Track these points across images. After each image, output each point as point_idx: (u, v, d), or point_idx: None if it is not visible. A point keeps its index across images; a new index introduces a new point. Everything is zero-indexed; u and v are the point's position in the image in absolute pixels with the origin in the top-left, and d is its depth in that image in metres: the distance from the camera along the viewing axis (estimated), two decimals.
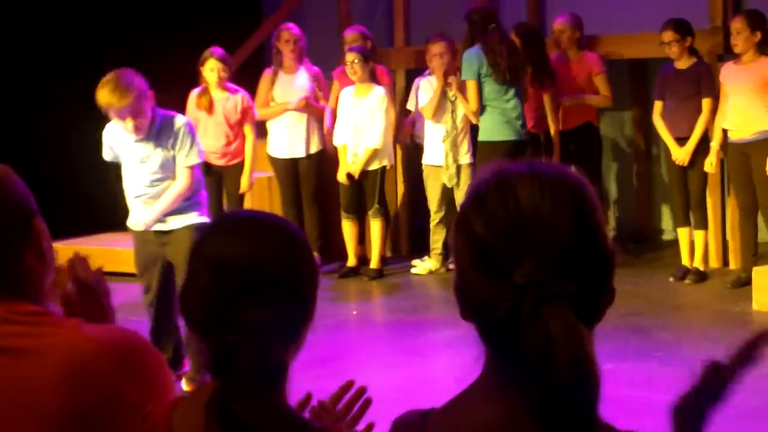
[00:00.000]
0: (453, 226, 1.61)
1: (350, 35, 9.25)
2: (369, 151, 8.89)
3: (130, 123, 5.86)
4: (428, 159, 8.98)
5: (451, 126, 8.76)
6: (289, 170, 9.32)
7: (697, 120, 8.10)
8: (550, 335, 1.43)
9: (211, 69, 8.61)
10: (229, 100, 8.66)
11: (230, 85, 8.76)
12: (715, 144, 8.04)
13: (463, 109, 8.66)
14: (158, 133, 6.03)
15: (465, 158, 8.80)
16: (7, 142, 9.17)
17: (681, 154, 8.16)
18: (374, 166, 8.95)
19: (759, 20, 7.80)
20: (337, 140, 9.05)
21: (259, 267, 1.86)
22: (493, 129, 8.41)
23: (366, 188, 9.05)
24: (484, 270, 1.52)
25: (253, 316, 1.82)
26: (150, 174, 6.06)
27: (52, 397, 1.96)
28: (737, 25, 7.82)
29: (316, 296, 1.97)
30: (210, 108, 8.64)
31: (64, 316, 2.15)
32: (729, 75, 7.94)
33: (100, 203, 10.19)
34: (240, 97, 8.68)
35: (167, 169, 6.04)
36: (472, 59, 8.41)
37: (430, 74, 8.98)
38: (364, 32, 9.28)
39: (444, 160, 8.79)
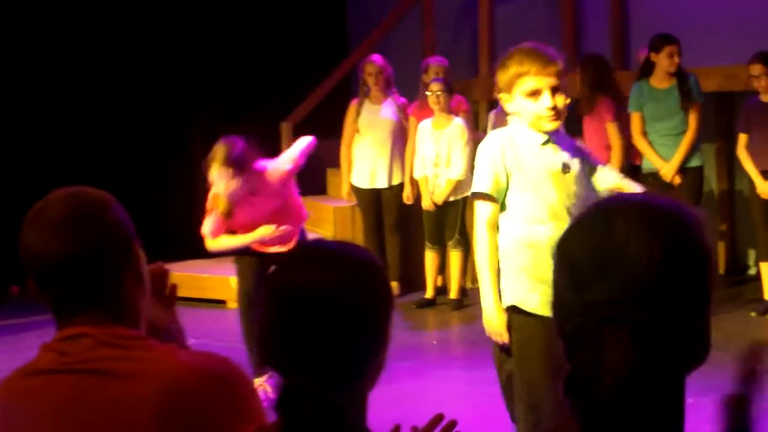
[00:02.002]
0: (554, 251, 1.64)
1: (435, 66, 9.29)
2: (452, 182, 8.92)
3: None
4: None
5: None
6: (371, 200, 9.41)
7: None
8: (602, 358, 1.44)
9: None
10: None
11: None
12: None
13: None
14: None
15: None
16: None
17: (766, 188, 8.05)
18: (457, 196, 8.99)
19: None
20: (417, 172, 9.10)
21: (331, 301, 1.83)
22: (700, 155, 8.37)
23: (448, 219, 9.08)
24: (569, 288, 1.55)
25: (321, 357, 1.81)
26: None
27: (147, 420, 1.99)
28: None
29: (390, 328, 1.94)
30: None
31: (159, 342, 2.18)
32: None
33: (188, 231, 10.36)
34: None
35: None
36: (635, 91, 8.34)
37: None
38: (446, 64, 9.33)
39: None
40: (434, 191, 8.97)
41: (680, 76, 8.15)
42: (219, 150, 6.35)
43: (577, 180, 4.18)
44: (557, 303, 1.60)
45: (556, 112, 4.10)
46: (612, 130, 8.44)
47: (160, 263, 2.33)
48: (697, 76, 8.24)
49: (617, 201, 1.63)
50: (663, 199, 1.60)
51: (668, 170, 8.10)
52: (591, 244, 1.55)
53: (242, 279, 6.78)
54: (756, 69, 8.01)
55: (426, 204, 9.00)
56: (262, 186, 6.50)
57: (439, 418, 2.15)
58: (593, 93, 8.45)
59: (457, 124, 8.88)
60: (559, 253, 1.60)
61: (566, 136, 4.34)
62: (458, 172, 8.89)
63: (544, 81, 4.10)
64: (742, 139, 8.21)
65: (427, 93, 8.87)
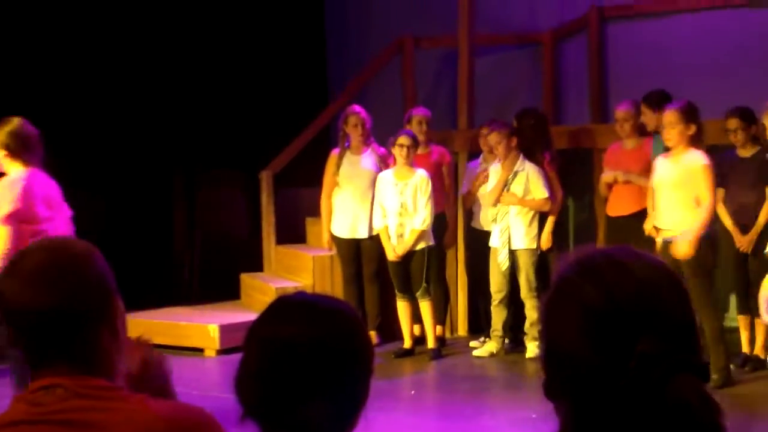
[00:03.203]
0: (551, 299, 1.64)
1: (418, 116, 9.35)
2: (416, 232, 8.95)
3: None
4: (492, 241, 9.03)
5: (502, 210, 8.87)
6: (351, 249, 9.44)
7: (762, 208, 7.97)
8: (691, 403, 1.51)
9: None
10: None
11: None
12: None
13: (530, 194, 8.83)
14: None
15: (523, 243, 8.88)
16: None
17: (744, 242, 8.06)
18: (420, 246, 9.01)
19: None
20: (377, 224, 9.14)
21: (310, 353, 1.85)
22: None
23: (413, 269, 9.09)
24: (596, 341, 1.55)
25: (303, 410, 1.83)
26: None
27: None
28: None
29: (370, 380, 1.96)
30: None
31: (132, 392, 2.18)
32: None
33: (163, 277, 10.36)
34: None
35: None
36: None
37: (482, 158, 9.18)
38: (429, 115, 9.41)
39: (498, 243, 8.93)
40: (398, 241, 9.01)
41: None
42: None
43: None
44: (564, 359, 1.60)
45: None
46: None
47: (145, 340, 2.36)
48: None
49: (612, 251, 1.65)
50: (631, 247, 1.67)
51: (746, 244, 8.11)
52: (619, 293, 1.57)
53: None
54: (732, 123, 8.03)
55: (390, 255, 9.03)
56: None
57: None
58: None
59: (421, 175, 8.94)
60: (571, 305, 1.59)
61: None
62: (422, 222, 8.93)
63: None
64: (719, 193, 8.09)
65: (397, 145, 8.90)
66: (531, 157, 8.87)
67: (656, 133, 8.36)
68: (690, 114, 7.54)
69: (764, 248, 7.72)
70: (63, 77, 10.18)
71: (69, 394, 2.08)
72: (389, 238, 9.02)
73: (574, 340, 1.57)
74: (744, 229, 8.10)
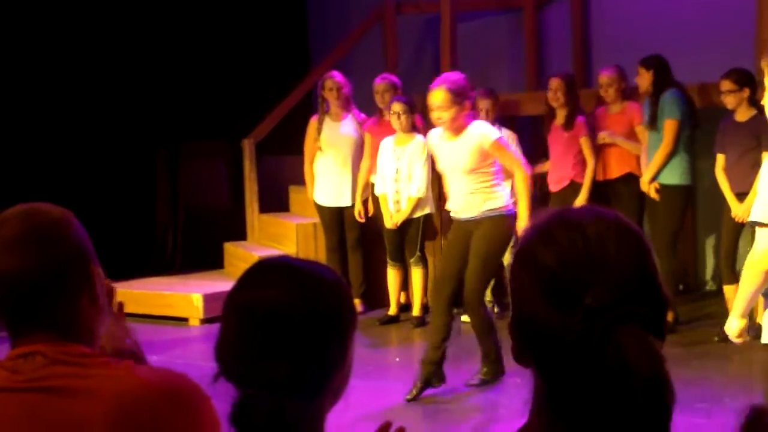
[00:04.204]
0: (514, 263, 1.65)
1: (381, 85, 9.25)
2: (412, 199, 8.92)
3: None
4: None
5: None
6: (334, 217, 9.42)
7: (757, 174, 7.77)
8: (628, 354, 1.48)
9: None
10: None
11: None
12: None
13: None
14: None
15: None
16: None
17: (740, 210, 7.80)
18: (417, 214, 8.99)
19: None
20: (378, 189, 9.10)
21: (286, 317, 1.85)
22: (687, 174, 8.35)
23: (409, 236, 9.08)
24: (552, 301, 1.56)
25: (277, 370, 1.83)
26: None
27: None
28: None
29: (351, 346, 1.95)
30: None
31: (116, 359, 2.17)
32: None
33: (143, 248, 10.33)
34: None
35: None
36: (680, 100, 8.29)
37: None
38: (395, 82, 9.28)
39: None
40: (396, 208, 8.97)
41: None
42: None
43: None
44: (527, 320, 1.60)
45: None
46: (587, 145, 8.68)
47: (107, 281, 2.31)
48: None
49: (571, 213, 1.65)
50: (601, 208, 1.67)
51: (743, 213, 7.80)
52: (568, 254, 1.57)
53: None
54: (725, 85, 7.88)
55: (388, 223, 9.00)
56: None
57: (386, 426, 2.14)
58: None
59: (418, 141, 8.84)
60: (530, 268, 1.61)
61: None
62: (419, 188, 8.90)
63: None
64: (719, 159, 8.04)
65: (391, 113, 8.85)
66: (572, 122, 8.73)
67: (648, 96, 8.38)
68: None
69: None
70: (44, 49, 10.10)
71: (49, 361, 2.06)
72: (387, 204, 9.00)
73: (534, 304, 1.58)
74: (741, 197, 7.84)
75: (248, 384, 1.84)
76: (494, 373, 6.93)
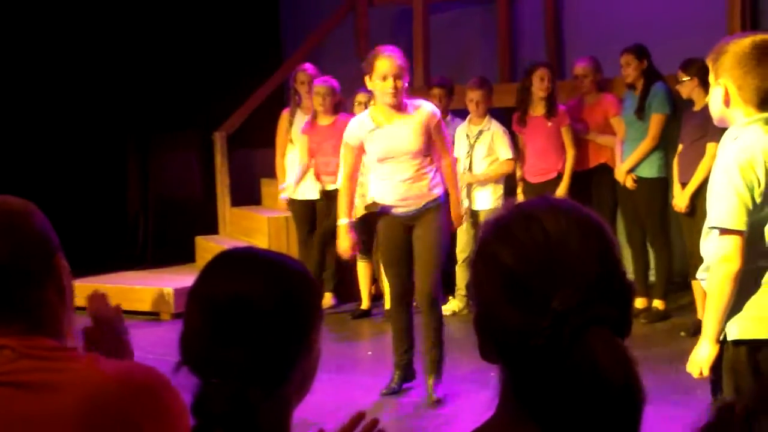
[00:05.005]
0: (474, 262, 1.63)
1: (321, 87, 8.99)
2: None
3: None
4: None
5: (462, 170, 8.72)
6: (305, 211, 9.34)
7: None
8: (599, 359, 1.46)
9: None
10: None
11: None
12: None
13: (503, 154, 8.75)
14: None
15: (488, 203, 8.83)
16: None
17: (679, 200, 7.82)
18: None
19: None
20: (340, 181, 9.02)
21: (247, 307, 1.85)
22: (664, 167, 8.32)
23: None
24: (515, 301, 1.53)
25: (238, 357, 1.83)
26: None
27: (70, 431, 1.97)
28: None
29: (317, 337, 1.95)
30: None
31: (82, 352, 2.17)
32: None
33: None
34: None
35: None
36: (668, 95, 8.25)
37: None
38: (335, 87, 9.03)
39: None
40: (362, 201, 8.90)
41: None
42: None
43: None
44: (490, 321, 1.57)
45: None
46: (569, 134, 8.67)
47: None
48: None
49: (528, 206, 1.61)
50: (561, 199, 1.64)
51: (681, 203, 7.86)
52: (528, 252, 1.53)
53: None
54: (679, 75, 7.88)
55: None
56: None
57: (359, 417, 2.13)
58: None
59: None
60: (490, 266, 1.57)
61: None
62: None
63: None
64: (680, 149, 8.02)
65: (356, 104, 8.78)
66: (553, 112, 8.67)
67: (630, 86, 8.37)
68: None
69: (696, 209, 7.44)
70: (12, 39, 10.01)
71: (17, 355, 2.04)
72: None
73: (497, 303, 1.55)
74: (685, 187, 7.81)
75: (211, 372, 1.84)
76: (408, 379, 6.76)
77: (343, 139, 6.62)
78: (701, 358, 3.66)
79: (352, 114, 8.49)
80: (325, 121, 8.91)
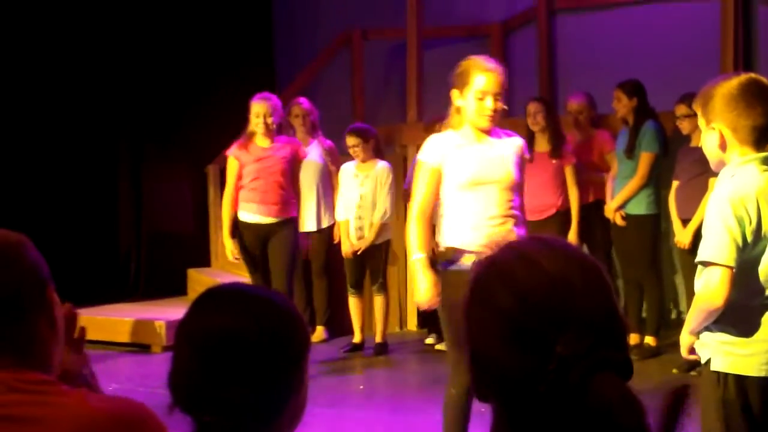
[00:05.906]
0: (470, 301, 1.60)
1: (297, 107, 9.14)
2: (376, 226, 8.89)
3: None
4: None
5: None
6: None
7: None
8: (612, 405, 1.45)
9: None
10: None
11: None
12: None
13: None
14: None
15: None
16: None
17: (682, 237, 7.84)
18: (380, 240, 8.94)
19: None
20: (339, 215, 9.04)
21: (239, 343, 1.84)
22: (654, 204, 8.29)
23: (372, 263, 9.01)
24: (514, 344, 1.51)
25: (231, 395, 1.82)
26: None
27: None
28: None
29: (306, 370, 1.94)
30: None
31: (70, 387, 2.15)
32: None
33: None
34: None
35: None
36: (659, 133, 8.22)
37: None
38: (307, 106, 9.12)
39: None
40: (359, 234, 8.90)
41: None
42: None
43: None
44: (488, 364, 1.55)
45: None
46: (573, 173, 8.60)
47: (68, 305, 2.27)
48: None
49: (524, 247, 1.59)
50: (553, 238, 1.61)
51: (684, 239, 7.84)
52: (532, 295, 1.51)
53: None
54: (680, 110, 7.84)
55: (346, 249, 8.92)
56: None
57: None
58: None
59: (383, 167, 8.85)
60: (487, 308, 1.55)
61: None
62: (381, 215, 8.85)
63: None
64: (674, 185, 8.03)
65: (349, 148, 8.81)
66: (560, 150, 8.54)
67: (626, 122, 8.33)
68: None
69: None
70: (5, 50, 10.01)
71: (5, 389, 2.03)
72: (348, 232, 8.92)
73: (494, 346, 1.53)
74: (687, 224, 7.81)
75: (204, 411, 1.83)
76: None
77: (419, 159, 5.25)
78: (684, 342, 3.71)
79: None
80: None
